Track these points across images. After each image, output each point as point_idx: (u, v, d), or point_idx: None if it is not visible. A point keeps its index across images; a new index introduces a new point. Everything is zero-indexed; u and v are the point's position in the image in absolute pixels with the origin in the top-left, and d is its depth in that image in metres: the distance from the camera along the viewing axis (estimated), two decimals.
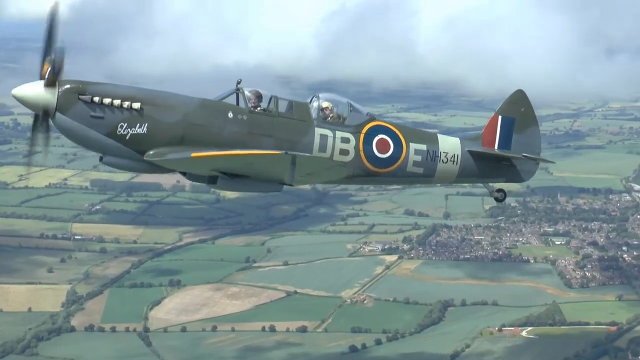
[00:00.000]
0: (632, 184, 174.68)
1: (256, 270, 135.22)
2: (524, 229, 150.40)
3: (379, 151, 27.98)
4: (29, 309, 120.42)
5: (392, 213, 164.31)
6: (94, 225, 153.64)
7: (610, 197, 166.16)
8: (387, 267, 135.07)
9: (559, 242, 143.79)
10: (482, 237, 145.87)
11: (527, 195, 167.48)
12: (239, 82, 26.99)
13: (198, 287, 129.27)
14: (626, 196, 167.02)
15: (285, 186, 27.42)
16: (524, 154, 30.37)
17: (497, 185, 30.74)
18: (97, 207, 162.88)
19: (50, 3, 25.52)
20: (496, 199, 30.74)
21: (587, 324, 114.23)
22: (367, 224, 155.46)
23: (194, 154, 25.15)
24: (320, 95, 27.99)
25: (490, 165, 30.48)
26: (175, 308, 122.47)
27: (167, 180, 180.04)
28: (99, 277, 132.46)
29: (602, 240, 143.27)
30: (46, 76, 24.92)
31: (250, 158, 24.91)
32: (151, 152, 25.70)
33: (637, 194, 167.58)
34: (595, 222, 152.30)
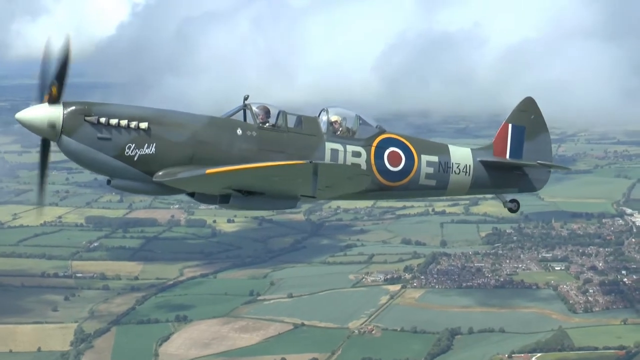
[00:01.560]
0: (624, 208, 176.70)
1: (261, 304, 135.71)
2: (522, 255, 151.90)
3: (390, 164, 27.48)
4: (39, 349, 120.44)
5: (389, 242, 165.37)
6: (94, 263, 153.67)
7: (604, 221, 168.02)
8: (392, 297, 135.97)
9: (558, 268, 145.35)
10: (482, 264, 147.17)
11: (521, 222, 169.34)
12: (246, 98, 26.41)
13: (205, 321, 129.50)
14: (619, 220, 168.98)
15: (297, 203, 26.71)
16: (538, 161, 30.05)
17: (510, 196, 30.26)
18: (95, 244, 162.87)
19: (61, 38, 24.38)
20: (510, 210, 30.32)
21: (596, 348, 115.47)
22: (366, 254, 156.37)
23: (208, 170, 24.48)
24: (329, 109, 27.40)
25: (502, 175, 29.97)
26: (184, 343, 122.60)
27: (163, 215, 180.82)
28: (105, 314, 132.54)
29: (600, 264, 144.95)
30: (50, 99, 24.22)
31: (273, 169, 24.14)
32: (160, 173, 25.02)
33: (629, 217, 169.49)
34: (592, 247, 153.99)
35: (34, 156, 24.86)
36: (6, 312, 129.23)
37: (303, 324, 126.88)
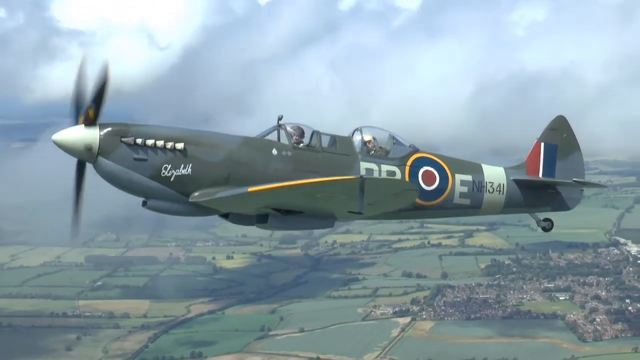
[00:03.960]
0: (617, 238, 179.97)
1: (274, 339, 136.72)
2: (524, 286, 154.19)
3: (425, 183, 27.42)
4: None
5: (390, 276, 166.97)
6: (100, 302, 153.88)
7: (599, 250, 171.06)
8: (403, 329, 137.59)
9: (562, 298, 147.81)
10: (488, 296, 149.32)
11: (518, 253, 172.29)
12: (280, 118, 26.35)
13: (220, 357, 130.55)
14: (614, 249, 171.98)
15: (335, 222, 26.78)
16: (574, 179, 30.22)
17: (544, 215, 30.46)
18: (99, 283, 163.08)
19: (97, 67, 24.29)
20: (543, 229, 30.47)
21: None
22: (370, 287, 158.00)
23: (251, 189, 24.34)
24: (363, 128, 27.38)
25: (536, 193, 30.02)
26: None
27: (161, 253, 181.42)
28: (120, 352, 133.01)
29: (603, 293, 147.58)
30: (86, 120, 24.25)
31: (320, 186, 23.81)
32: (197, 194, 24.96)
33: (624, 247, 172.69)
34: (592, 277, 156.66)
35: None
36: (22, 354, 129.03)
37: (318, 358, 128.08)
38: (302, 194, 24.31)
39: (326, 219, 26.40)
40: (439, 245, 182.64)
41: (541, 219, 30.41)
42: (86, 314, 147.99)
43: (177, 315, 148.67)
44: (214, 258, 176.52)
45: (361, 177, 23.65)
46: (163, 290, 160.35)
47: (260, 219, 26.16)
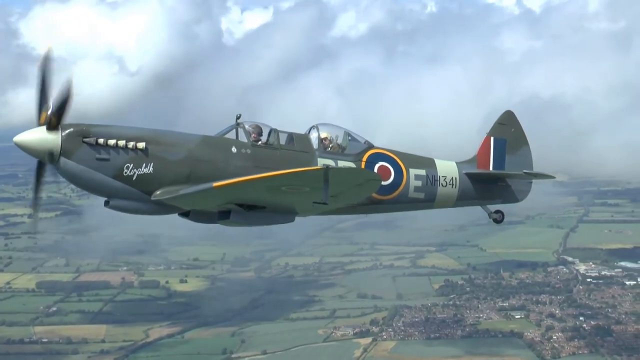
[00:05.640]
0: (564, 257, 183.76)
1: None
2: (480, 306, 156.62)
3: None
4: None
5: (345, 297, 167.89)
6: (56, 327, 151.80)
7: (549, 269, 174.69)
8: (365, 350, 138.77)
9: (518, 316, 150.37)
10: (445, 316, 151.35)
11: (470, 273, 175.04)
12: (238, 117, 27.00)
13: None
14: (563, 268, 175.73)
15: (296, 218, 27.27)
16: (524, 171, 31.25)
17: (494, 207, 31.47)
18: (54, 309, 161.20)
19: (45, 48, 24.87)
20: (495, 220, 31.30)
21: None
22: (327, 309, 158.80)
23: (216, 184, 24.64)
24: (319, 126, 28.09)
25: (487, 186, 31.09)
26: None
27: (113, 277, 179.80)
28: None
29: (557, 312, 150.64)
30: (47, 121, 24.38)
31: (285, 178, 24.08)
32: (159, 192, 25.43)
33: (572, 266, 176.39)
34: (544, 295, 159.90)
35: None
36: None
37: None
38: (268, 188, 24.62)
39: (287, 214, 26.83)
40: (391, 266, 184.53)
41: (492, 211, 31.42)
42: (43, 340, 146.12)
43: (136, 339, 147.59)
44: (167, 282, 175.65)
45: (326, 167, 23.88)
46: (119, 314, 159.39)
47: (222, 216, 26.61)
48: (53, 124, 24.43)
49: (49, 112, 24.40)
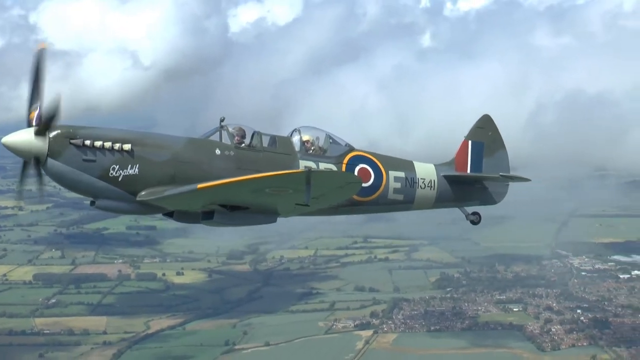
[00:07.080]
0: (558, 250, 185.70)
1: (241, 353, 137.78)
2: (477, 299, 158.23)
3: None
4: None
5: (343, 290, 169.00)
6: (57, 319, 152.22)
7: (544, 263, 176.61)
8: (367, 342, 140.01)
9: (516, 309, 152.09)
10: (444, 308, 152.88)
11: (465, 266, 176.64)
12: (222, 120, 27.66)
13: None
14: (557, 262, 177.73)
15: (278, 218, 27.97)
16: (500, 173, 32.34)
17: (472, 209, 32.50)
18: (53, 301, 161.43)
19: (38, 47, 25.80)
20: (472, 222, 32.40)
21: None
22: (326, 301, 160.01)
23: (200, 185, 25.11)
24: (301, 129, 28.85)
25: (464, 188, 32.03)
26: None
27: (109, 270, 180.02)
28: None
29: (555, 305, 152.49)
30: (36, 122, 25.12)
31: (268, 180, 24.57)
32: (143, 193, 26.07)
33: (566, 260, 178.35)
34: (540, 288, 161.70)
35: None
36: None
37: None
38: (252, 189, 25.17)
39: (270, 215, 27.51)
40: (387, 259, 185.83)
41: (470, 212, 32.47)
42: (45, 331, 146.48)
43: (137, 331, 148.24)
44: (164, 274, 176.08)
45: (308, 169, 24.52)
46: (119, 306, 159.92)
47: (206, 216, 27.21)
48: (41, 130, 25.06)
49: (39, 119, 25.11)
